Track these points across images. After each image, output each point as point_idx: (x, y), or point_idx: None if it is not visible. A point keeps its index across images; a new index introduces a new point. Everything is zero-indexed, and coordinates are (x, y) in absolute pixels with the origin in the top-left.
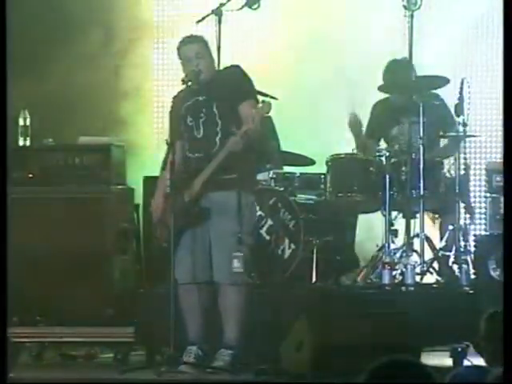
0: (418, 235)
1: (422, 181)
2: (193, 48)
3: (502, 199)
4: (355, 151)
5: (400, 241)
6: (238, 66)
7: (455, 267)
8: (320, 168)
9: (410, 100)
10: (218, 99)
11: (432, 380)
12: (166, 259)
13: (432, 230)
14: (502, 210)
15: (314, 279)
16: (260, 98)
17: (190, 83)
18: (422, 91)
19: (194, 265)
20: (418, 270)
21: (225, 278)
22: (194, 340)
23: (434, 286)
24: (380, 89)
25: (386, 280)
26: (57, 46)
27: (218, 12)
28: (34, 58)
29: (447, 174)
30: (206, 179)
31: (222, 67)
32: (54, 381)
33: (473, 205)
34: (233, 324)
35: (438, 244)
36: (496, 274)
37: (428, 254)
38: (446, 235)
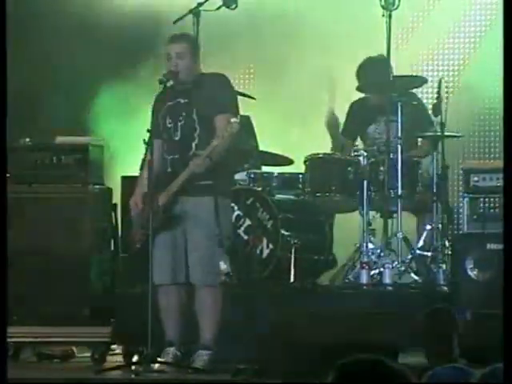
0: (395, 235)
1: (399, 180)
2: (175, 47)
3: (479, 199)
4: (333, 151)
5: (378, 240)
6: (222, 75)
7: (433, 267)
8: (298, 167)
9: (387, 99)
10: (198, 105)
11: (400, 379)
12: (143, 260)
13: (410, 229)
14: (479, 210)
15: (291, 279)
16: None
17: (168, 83)
18: (400, 91)
19: (171, 266)
20: (395, 269)
21: (201, 279)
22: (172, 341)
23: (412, 285)
24: (358, 89)
25: (364, 280)
26: (31, 42)
27: (195, 12)
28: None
29: (425, 174)
30: (178, 188)
31: (205, 67)
32: (52, 380)
33: (450, 205)
34: (210, 325)
35: (416, 244)
36: (473, 273)
37: (406, 254)
38: (424, 235)
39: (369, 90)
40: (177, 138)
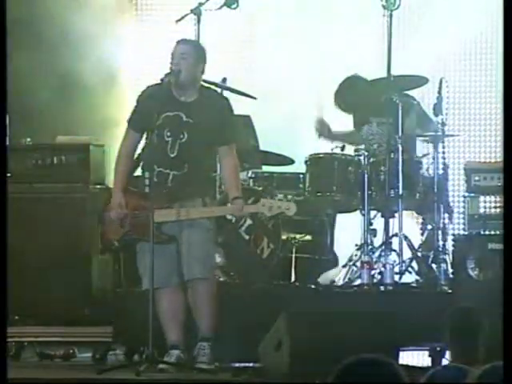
0: (396, 234)
1: (400, 180)
2: (180, 48)
3: (480, 199)
4: (334, 150)
5: (379, 240)
6: (225, 99)
7: (434, 266)
8: (299, 167)
9: (388, 100)
10: (203, 130)
11: (400, 378)
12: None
13: (411, 229)
14: (480, 210)
15: (292, 278)
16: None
17: (168, 80)
18: (401, 90)
19: (165, 269)
20: (396, 269)
21: (195, 272)
22: (175, 344)
23: (413, 285)
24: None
25: (365, 279)
26: (31, 44)
27: (197, 11)
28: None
29: (426, 174)
30: (190, 217)
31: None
32: (53, 381)
33: (451, 204)
34: (207, 315)
35: (417, 243)
36: (474, 273)
37: (407, 254)
38: (425, 235)
39: (347, 110)
40: (172, 155)
